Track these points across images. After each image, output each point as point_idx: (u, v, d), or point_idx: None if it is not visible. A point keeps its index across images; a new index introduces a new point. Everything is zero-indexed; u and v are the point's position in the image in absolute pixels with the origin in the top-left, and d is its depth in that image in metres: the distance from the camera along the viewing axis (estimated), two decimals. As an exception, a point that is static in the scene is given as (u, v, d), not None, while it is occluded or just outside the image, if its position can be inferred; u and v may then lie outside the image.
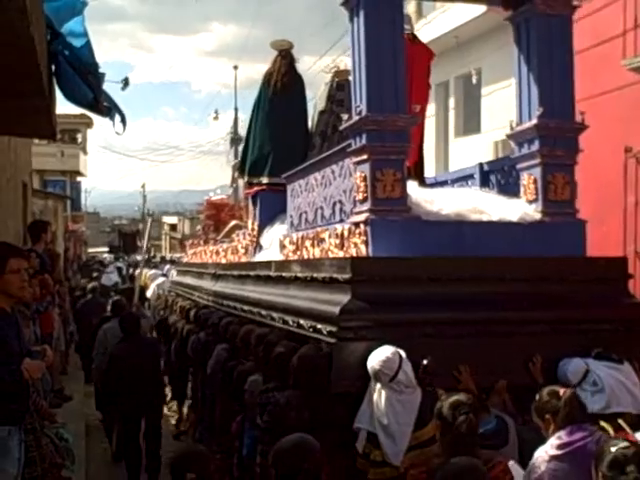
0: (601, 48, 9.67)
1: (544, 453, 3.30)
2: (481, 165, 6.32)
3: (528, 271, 4.83)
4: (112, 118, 4.70)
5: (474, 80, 12.60)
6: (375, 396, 4.18)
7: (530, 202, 5.34)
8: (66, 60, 4.33)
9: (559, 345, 4.70)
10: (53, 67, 4.39)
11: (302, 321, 5.00)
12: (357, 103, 5.01)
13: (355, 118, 4.98)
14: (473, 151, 12.53)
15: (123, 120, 4.81)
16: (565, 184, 5.26)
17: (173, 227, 34.59)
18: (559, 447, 3.28)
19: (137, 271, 21.29)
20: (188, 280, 11.96)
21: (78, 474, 6.10)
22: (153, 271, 20.04)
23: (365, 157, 4.94)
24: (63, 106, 23.39)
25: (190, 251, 14.28)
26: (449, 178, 6.89)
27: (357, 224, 5.01)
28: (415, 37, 6.49)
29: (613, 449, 2.70)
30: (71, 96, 4.26)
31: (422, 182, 6.54)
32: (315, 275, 5.19)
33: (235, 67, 32.81)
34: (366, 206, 4.96)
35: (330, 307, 4.62)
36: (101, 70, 4.84)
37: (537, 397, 3.61)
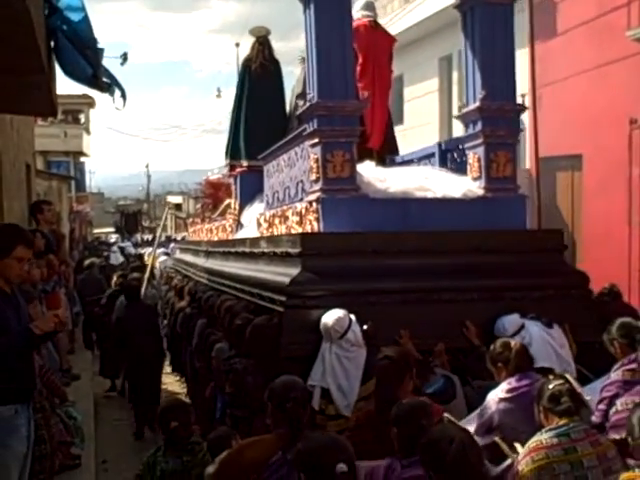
0: (606, 18, 9.61)
1: (495, 396, 3.79)
2: (440, 144, 6.69)
3: (468, 243, 5.22)
4: (112, 94, 4.66)
5: None
6: (326, 355, 4.60)
7: (475, 179, 5.73)
8: (65, 35, 4.34)
9: (496, 311, 5.10)
10: (52, 43, 4.39)
11: (263, 293, 5.46)
12: (309, 90, 5.41)
13: (307, 104, 5.39)
14: None
15: (123, 95, 4.76)
16: (507, 162, 5.63)
17: (178, 206, 34.96)
18: (508, 391, 3.78)
19: (144, 250, 21.82)
20: (187, 257, 12.46)
21: (87, 451, 6.29)
22: (159, 250, 20.65)
23: (317, 140, 5.36)
24: (65, 86, 23.62)
25: (191, 229, 14.78)
26: (415, 157, 7.24)
27: (311, 202, 5.45)
28: (377, 24, 6.84)
29: (551, 386, 3.30)
30: (70, 72, 4.24)
31: (385, 162, 6.90)
32: (275, 250, 5.64)
33: (237, 44, 32.77)
34: (318, 186, 5.39)
35: (282, 278, 5.08)
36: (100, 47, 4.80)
37: (492, 348, 4.05)
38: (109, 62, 4.95)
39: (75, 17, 4.38)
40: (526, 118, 10.57)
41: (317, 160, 5.37)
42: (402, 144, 8.10)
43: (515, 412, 3.65)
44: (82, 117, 31.15)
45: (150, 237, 29.94)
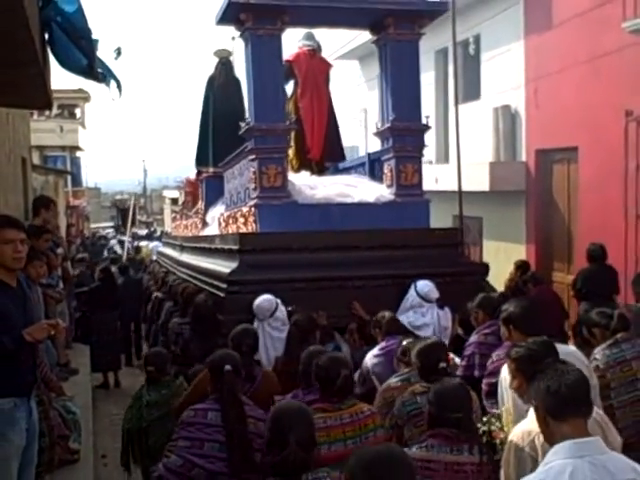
0: (601, 10, 9.43)
1: (370, 354, 4.96)
2: (369, 155, 7.85)
3: (377, 240, 6.39)
4: (108, 84, 4.66)
5: (471, 50, 12.54)
6: (259, 332, 5.70)
7: (388, 186, 6.91)
8: (59, 26, 4.36)
9: (401, 295, 6.25)
10: (47, 35, 4.40)
11: (213, 282, 6.63)
12: (247, 115, 6.58)
13: (246, 126, 6.56)
14: (473, 118, 12.30)
15: (119, 86, 4.76)
16: (414, 172, 6.82)
17: (174, 201, 35.84)
18: (380, 349, 4.94)
19: (143, 243, 22.87)
20: (167, 251, 13.62)
21: (85, 445, 6.31)
22: (154, 243, 21.83)
23: (254, 156, 6.54)
24: (61, 81, 23.31)
25: (172, 224, 15.90)
26: (352, 164, 8.41)
27: (251, 207, 6.63)
28: (315, 52, 7.96)
29: (404, 343, 4.48)
30: (65, 63, 4.20)
31: (325, 169, 8.05)
32: (224, 246, 6.82)
33: (233, 38, 33.73)
34: (256, 193, 6.58)
35: (225, 269, 6.26)
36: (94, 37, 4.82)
37: (376, 318, 5.20)
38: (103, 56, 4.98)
39: (69, 8, 4.41)
40: (522, 111, 11.31)
41: (255, 172, 6.56)
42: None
43: (384, 364, 4.80)
44: (78, 112, 31.42)
45: (146, 232, 30.49)
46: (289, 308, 5.87)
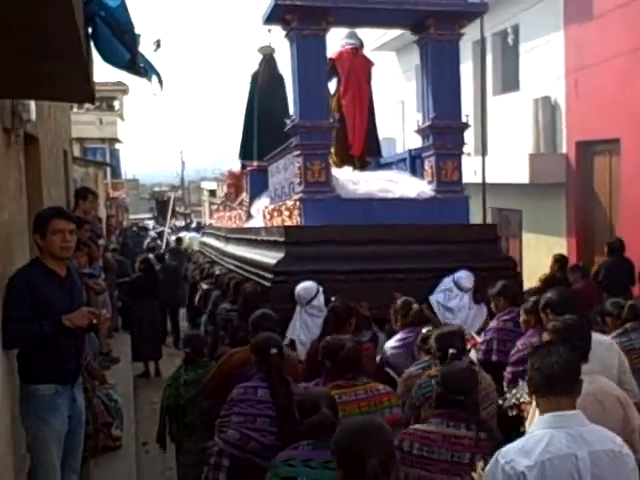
0: None
1: (388, 345, 5.20)
2: (410, 151, 8.06)
3: (418, 234, 6.62)
4: (149, 79, 4.67)
5: (510, 41, 12.43)
6: (297, 316, 6.02)
7: (429, 182, 7.12)
8: (103, 21, 4.35)
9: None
10: (90, 30, 4.38)
11: (259, 272, 6.93)
12: (292, 112, 6.85)
13: (291, 124, 6.83)
14: (512, 109, 12.39)
15: (160, 81, 4.77)
16: (454, 169, 7.02)
17: (212, 192, 36.22)
18: (397, 340, 5.18)
19: (181, 234, 23.43)
20: (210, 241, 14.01)
21: (128, 433, 6.45)
22: (191, 234, 22.32)
23: (299, 152, 6.81)
24: (99, 74, 23.80)
25: (215, 216, 16.29)
26: (392, 160, 8.64)
27: (296, 201, 6.90)
28: (357, 50, 8.19)
29: (424, 331, 4.65)
30: (109, 58, 4.22)
31: (366, 164, 8.28)
32: (269, 238, 7.12)
33: (269, 30, 33.90)
34: (301, 188, 6.85)
35: (271, 260, 6.55)
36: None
37: (395, 308, 5.45)
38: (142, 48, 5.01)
39: (113, 3, 4.41)
40: (562, 103, 11.23)
41: (300, 168, 6.83)
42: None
43: (401, 355, 5.02)
44: (116, 104, 31.58)
45: (183, 223, 30.94)
46: (332, 299, 6.14)
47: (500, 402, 4.18)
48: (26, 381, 3.98)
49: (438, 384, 3.37)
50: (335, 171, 7.24)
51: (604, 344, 4.00)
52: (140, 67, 4.26)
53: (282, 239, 6.55)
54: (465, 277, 6.24)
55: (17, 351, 4.02)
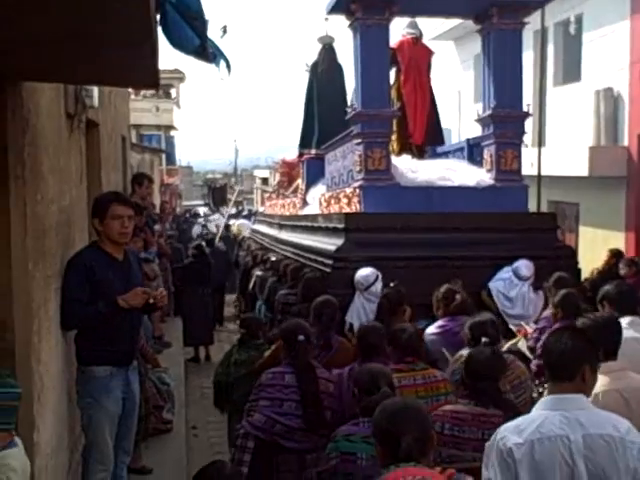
0: None
1: (428, 331, 5.27)
2: (468, 140, 8.08)
3: (477, 222, 6.65)
4: (217, 64, 4.56)
5: (572, 30, 12.13)
6: (356, 301, 6.10)
7: (488, 171, 7.15)
8: (172, 6, 4.23)
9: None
10: (158, 16, 4.21)
11: (318, 258, 7.06)
12: (354, 101, 6.95)
13: (353, 112, 6.93)
14: (573, 100, 12.18)
15: (228, 66, 4.66)
16: (513, 158, 7.03)
17: (265, 181, 36.41)
18: (437, 327, 5.26)
19: (231, 222, 23.75)
20: (263, 229, 14.21)
21: (178, 416, 6.53)
22: (240, 221, 22.58)
23: (360, 140, 6.91)
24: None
25: (267, 203, 16.50)
26: (450, 149, 8.67)
27: (355, 188, 7.01)
28: (418, 39, 8.23)
29: (469, 323, 4.61)
30: (178, 43, 4.15)
31: (425, 153, 8.34)
32: (328, 225, 7.24)
33: (326, 19, 33.78)
34: (361, 176, 6.95)
35: (331, 247, 6.67)
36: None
37: (437, 297, 5.49)
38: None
39: None
40: (625, 94, 10.99)
41: (360, 156, 6.93)
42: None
43: (439, 342, 5.07)
44: (173, 92, 31.73)
45: (234, 210, 31.22)
46: (391, 284, 6.24)
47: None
48: (82, 363, 4.07)
49: (465, 371, 3.48)
50: (394, 159, 7.31)
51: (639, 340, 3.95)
52: (209, 53, 4.22)
53: (342, 226, 6.66)
54: (524, 266, 6.27)
55: (75, 334, 4.14)
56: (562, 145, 12.21)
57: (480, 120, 7.32)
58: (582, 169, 10.81)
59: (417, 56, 8.11)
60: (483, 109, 7.30)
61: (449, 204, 6.85)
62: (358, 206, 6.93)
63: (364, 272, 6.10)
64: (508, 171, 7.04)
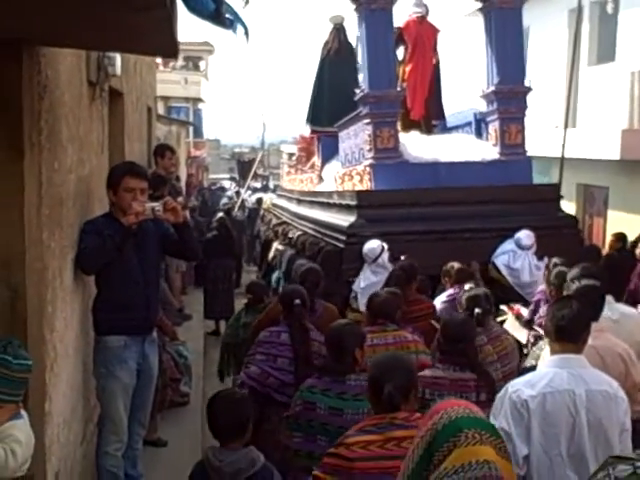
0: None
1: (439, 300, 5.67)
2: (475, 115, 8.36)
3: (483, 195, 6.98)
4: (234, 30, 4.48)
5: (609, 9, 11.64)
6: (362, 272, 6.48)
7: (493, 145, 7.45)
8: None
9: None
10: None
11: (332, 233, 7.44)
12: (361, 83, 7.27)
13: (361, 94, 7.26)
14: (607, 80, 11.69)
15: (246, 32, 4.57)
16: (517, 132, 7.34)
17: (291, 156, 36.40)
18: (447, 296, 5.66)
19: (261, 195, 23.99)
20: (282, 203, 14.55)
21: (196, 389, 6.55)
22: (268, 195, 22.92)
23: (369, 121, 7.25)
24: (186, 33, 22.77)
25: (286, 178, 16.82)
26: (457, 124, 8.95)
27: (366, 166, 7.36)
28: (424, 18, 8.47)
29: (466, 287, 5.15)
30: (194, 8, 4.03)
31: (432, 128, 8.63)
32: (341, 202, 7.61)
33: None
34: (371, 154, 7.30)
35: (344, 223, 7.05)
36: None
37: (446, 268, 5.89)
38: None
39: None
40: None
41: (370, 135, 7.27)
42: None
43: (448, 308, 5.44)
44: (202, 64, 31.80)
45: (260, 185, 31.27)
46: (401, 258, 6.60)
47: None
48: (98, 333, 4.11)
49: (440, 333, 3.75)
50: (402, 136, 7.64)
51: (633, 318, 4.21)
52: (225, 18, 4.15)
53: (354, 203, 7.03)
54: (524, 236, 6.58)
55: (92, 305, 4.17)
56: (594, 127, 11.77)
57: (485, 96, 7.60)
58: (614, 152, 10.47)
59: (423, 35, 8.38)
60: (487, 85, 7.58)
61: (456, 179, 7.17)
62: (369, 183, 7.28)
63: (371, 245, 6.43)
64: (512, 145, 7.35)
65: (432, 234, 6.84)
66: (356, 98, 7.44)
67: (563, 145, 9.23)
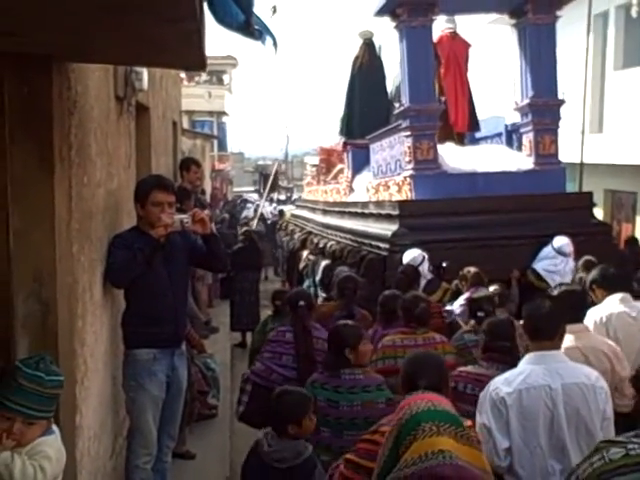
0: None
1: (457, 303, 5.85)
2: (506, 126, 8.66)
3: (518, 204, 7.27)
4: (263, 41, 4.41)
5: (634, 13, 11.17)
6: None
7: (528, 156, 7.74)
8: None
9: (538, 251, 7.12)
10: None
11: (372, 242, 7.72)
12: (403, 97, 7.58)
13: (401, 107, 7.56)
14: (634, 85, 11.49)
15: (275, 43, 4.48)
16: (551, 143, 7.63)
17: (315, 167, 36.35)
18: (465, 299, 5.78)
19: (281, 207, 24.19)
20: (304, 213, 14.83)
21: (223, 402, 6.49)
22: (289, 207, 23.09)
23: (409, 133, 7.55)
24: (210, 47, 22.89)
25: (307, 189, 17.05)
26: (486, 135, 9.25)
27: (406, 177, 7.65)
28: (456, 34, 8.80)
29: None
30: (223, 20, 3.98)
31: (464, 139, 8.93)
32: (381, 212, 7.89)
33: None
34: (411, 165, 7.59)
35: (386, 232, 7.32)
36: None
37: (462, 273, 6.10)
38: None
39: None
40: None
41: (410, 147, 7.57)
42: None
43: (467, 312, 5.45)
44: (226, 78, 32.17)
45: (284, 197, 31.35)
46: (443, 264, 6.87)
47: None
48: (128, 347, 4.09)
49: (485, 333, 3.86)
50: (440, 148, 7.93)
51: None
52: (254, 29, 4.10)
53: (396, 212, 7.31)
54: (565, 244, 6.86)
55: (121, 318, 4.16)
56: (621, 132, 11.67)
57: (519, 109, 7.90)
58: (642, 157, 10.38)
59: (456, 49, 8.70)
60: (521, 98, 7.88)
61: (492, 188, 7.46)
62: (409, 193, 7.57)
63: (412, 254, 6.66)
64: (546, 155, 7.64)
65: (470, 242, 7.10)
66: (396, 112, 7.75)
67: (581, 150, 9.43)
